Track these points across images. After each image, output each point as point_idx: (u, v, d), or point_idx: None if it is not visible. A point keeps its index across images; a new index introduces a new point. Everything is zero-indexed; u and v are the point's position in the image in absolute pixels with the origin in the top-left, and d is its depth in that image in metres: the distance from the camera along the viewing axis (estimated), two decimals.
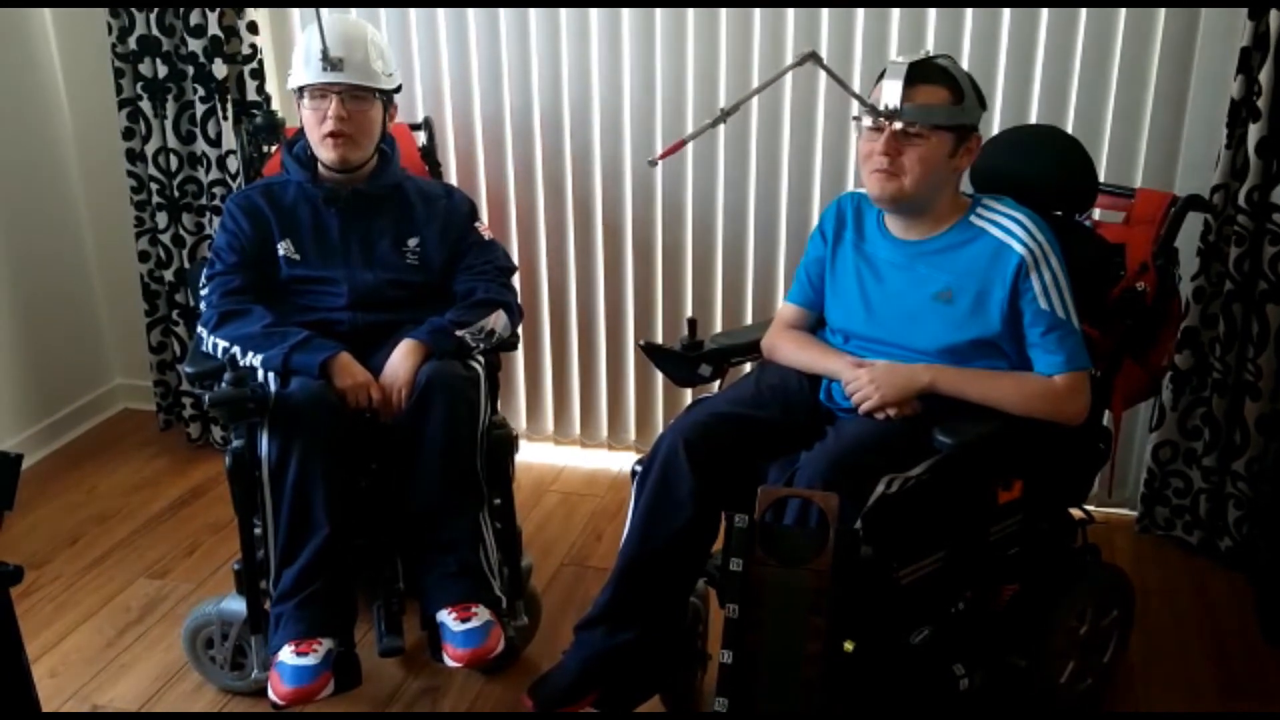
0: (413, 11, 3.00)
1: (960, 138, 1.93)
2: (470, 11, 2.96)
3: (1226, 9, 2.44)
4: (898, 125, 1.88)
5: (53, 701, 2.29)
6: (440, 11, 2.98)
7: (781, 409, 2.03)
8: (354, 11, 2.92)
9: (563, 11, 2.89)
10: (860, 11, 2.71)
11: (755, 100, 2.84)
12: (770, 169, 2.92)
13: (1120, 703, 2.26)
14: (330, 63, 2.22)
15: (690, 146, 2.94)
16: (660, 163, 1.97)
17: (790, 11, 2.76)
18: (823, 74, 2.62)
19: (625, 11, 2.85)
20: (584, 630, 2.00)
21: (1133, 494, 2.92)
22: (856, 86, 2.74)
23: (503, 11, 2.93)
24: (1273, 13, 2.31)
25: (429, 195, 2.43)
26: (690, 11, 2.82)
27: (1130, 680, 2.31)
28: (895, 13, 2.70)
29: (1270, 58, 2.34)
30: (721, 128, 2.85)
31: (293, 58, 2.30)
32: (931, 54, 1.93)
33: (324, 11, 2.23)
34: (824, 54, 2.77)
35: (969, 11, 2.65)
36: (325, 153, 2.28)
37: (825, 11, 2.74)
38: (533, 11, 2.91)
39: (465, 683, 2.33)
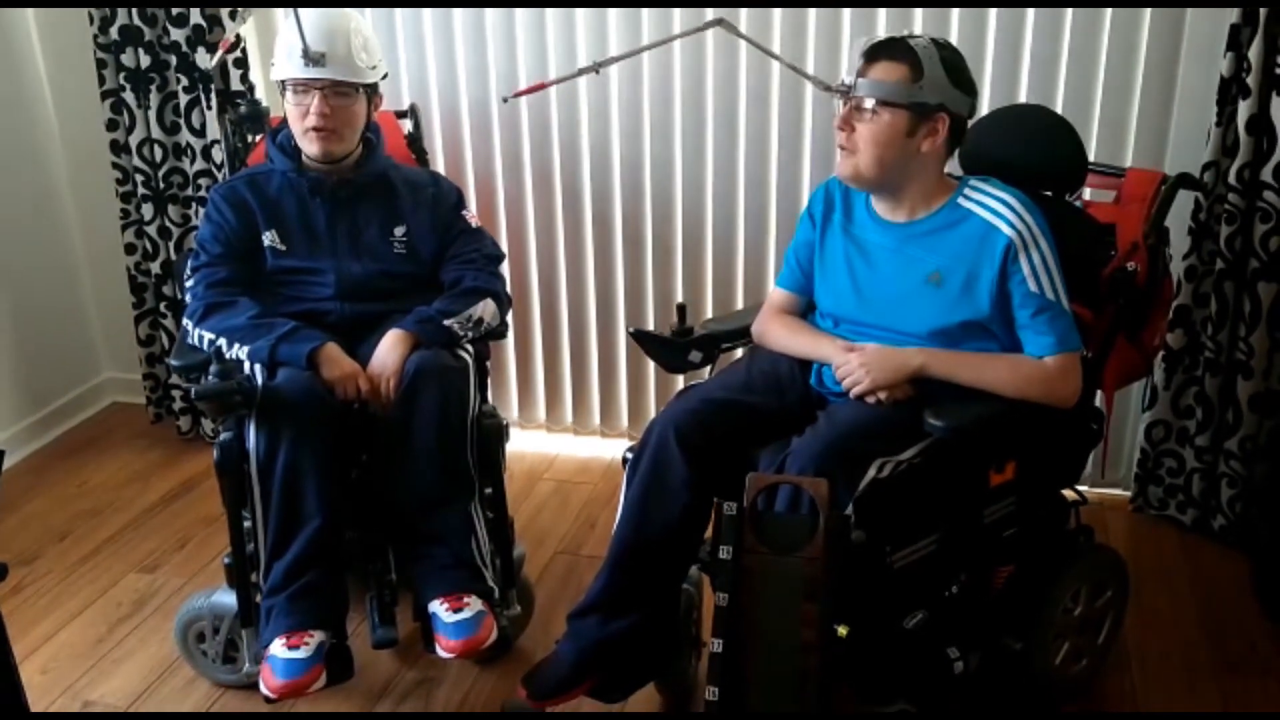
0: None
1: (918, 117, 1.89)
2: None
3: None
4: (853, 101, 1.87)
5: (44, 698, 2.28)
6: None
7: (773, 394, 2.02)
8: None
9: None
10: None
11: (743, 85, 2.84)
12: (759, 153, 2.91)
13: (1116, 683, 2.26)
14: (311, 58, 2.19)
15: (679, 130, 2.93)
16: (509, 100, 1.92)
17: None
18: (812, 56, 2.60)
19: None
20: (578, 619, 2.00)
21: (1126, 474, 2.92)
22: (844, 69, 2.72)
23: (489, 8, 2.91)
24: None
25: (416, 183, 2.41)
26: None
27: (1126, 660, 2.31)
28: None
29: (1260, 34, 2.32)
30: (710, 112, 2.89)
31: (275, 48, 2.27)
32: (912, 34, 1.91)
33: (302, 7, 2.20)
34: (810, 35, 2.75)
35: None
36: (308, 147, 2.25)
37: None
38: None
39: (459, 673, 2.32)
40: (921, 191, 1.96)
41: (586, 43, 2.89)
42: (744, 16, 2.77)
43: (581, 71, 1.84)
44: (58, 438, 3.42)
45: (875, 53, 1.87)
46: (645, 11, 2.82)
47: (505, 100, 1.94)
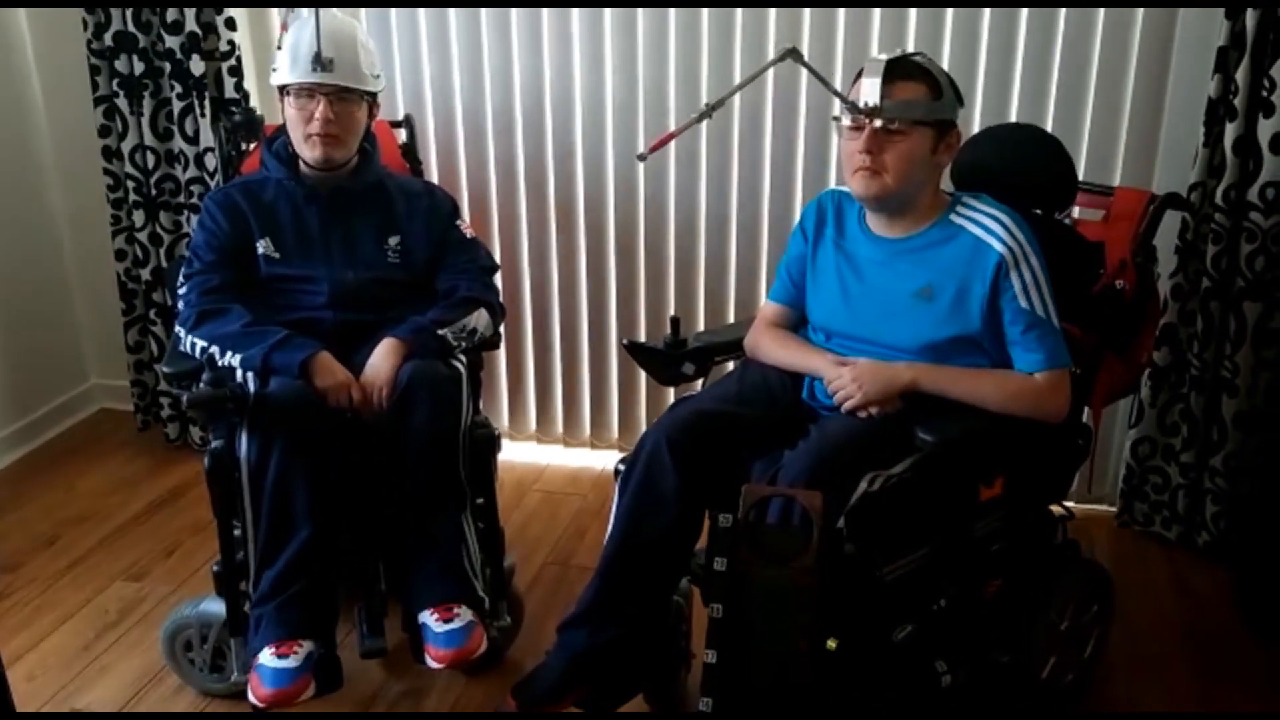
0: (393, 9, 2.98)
1: (940, 133, 1.93)
2: (451, 8, 2.95)
3: (1204, 9, 2.46)
4: (878, 123, 1.88)
5: (30, 704, 2.26)
6: (421, 8, 2.96)
7: (765, 407, 2.03)
8: (338, 10, 2.90)
9: (544, 8, 2.89)
10: (841, 10, 2.72)
11: (737, 98, 2.84)
12: (752, 167, 2.92)
13: (1102, 697, 2.27)
14: (321, 63, 2.21)
15: (673, 144, 2.92)
16: (647, 157, 1.99)
17: (772, 10, 2.76)
18: (805, 72, 2.63)
19: (607, 9, 2.85)
20: (567, 630, 2.00)
21: (1112, 490, 2.93)
22: (838, 86, 2.74)
23: (484, 8, 2.92)
24: (1249, 12, 2.32)
25: (410, 193, 2.42)
26: (672, 9, 2.81)
27: (1111, 674, 2.33)
28: (876, 11, 2.70)
29: (1247, 57, 2.35)
30: (705, 125, 2.88)
31: (278, 55, 2.28)
32: (908, 52, 1.94)
33: (308, 11, 2.21)
34: (805, 53, 2.76)
35: (949, 10, 2.66)
36: (309, 151, 2.26)
37: (807, 10, 2.74)
38: (514, 8, 2.90)
39: (447, 684, 2.32)
40: (922, 207, 1.98)
41: (581, 52, 2.91)
42: (740, 15, 2.79)
43: (699, 118, 1.93)
44: (45, 443, 3.41)
45: (891, 74, 1.88)
46: (640, 11, 2.83)
47: (641, 158, 2.01)
